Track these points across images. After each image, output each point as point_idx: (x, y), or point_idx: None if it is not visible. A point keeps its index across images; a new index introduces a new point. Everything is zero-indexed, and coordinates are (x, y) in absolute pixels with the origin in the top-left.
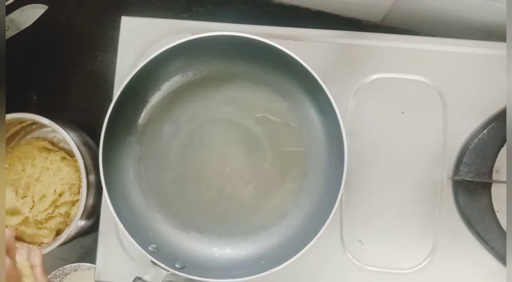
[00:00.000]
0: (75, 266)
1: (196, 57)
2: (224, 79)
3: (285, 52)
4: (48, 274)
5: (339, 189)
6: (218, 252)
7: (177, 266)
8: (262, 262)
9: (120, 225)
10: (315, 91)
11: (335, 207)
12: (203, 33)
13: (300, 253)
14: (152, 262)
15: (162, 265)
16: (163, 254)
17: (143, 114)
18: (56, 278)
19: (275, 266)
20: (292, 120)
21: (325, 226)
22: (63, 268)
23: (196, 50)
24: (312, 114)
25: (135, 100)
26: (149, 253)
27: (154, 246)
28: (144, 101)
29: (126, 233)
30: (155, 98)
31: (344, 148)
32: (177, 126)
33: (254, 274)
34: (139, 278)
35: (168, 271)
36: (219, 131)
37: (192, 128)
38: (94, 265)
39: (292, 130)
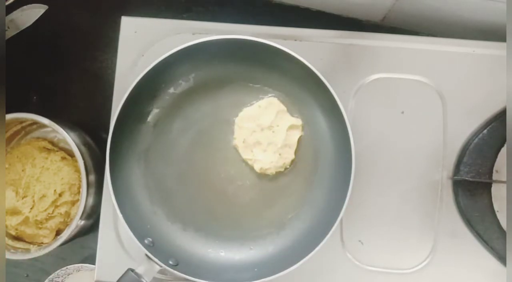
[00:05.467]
0: (78, 267)
1: (215, 57)
2: (236, 80)
3: (292, 55)
4: (51, 274)
5: (341, 207)
6: (212, 253)
7: (170, 262)
8: (255, 269)
9: (120, 215)
10: (322, 96)
11: (334, 226)
12: (223, 35)
13: (294, 267)
14: (147, 256)
15: (156, 260)
16: (158, 249)
17: (155, 107)
18: (59, 277)
19: (268, 275)
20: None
21: (320, 245)
22: (66, 268)
23: (215, 50)
24: (321, 123)
25: (149, 93)
26: (144, 246)
27: (150, 239)
28: (157, 96)
29: (124, 223)
30: (169, 94)
31: (352, 168)
32: (187, 123)
33: (246, 281)
34: (132, 270)
35: (162, 266)
36: (228, 133)
37: (202, 128)
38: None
39: (301, 138)
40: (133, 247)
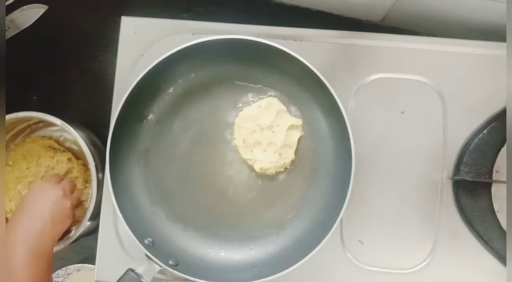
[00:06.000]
0: (78, 267)
1: (215, 57)
2: (236, 80)
3: (292, 55)
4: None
5: (341, 207)
6: (212, 253)
7: (170, 262)
8: (255, 269)
9: (120, 215)
10: (322, 96)
11: (334, 226)
12: (223, 35)
13: (294, 267)
14: (147, 256)
15: (156, 260)
16: (158, 249)
17: (155, 107)
18: (59, 277)
19: (268, 275)
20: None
21: (320, 245)
22: (66, 268)
23: (215, 50)
24: (321, 123)
25: (149, 93)
26: (144, 247)
27: (150, 239)
28: (157, 96)
29: (124, 223)
30: (169, 94)
31: (352, 168)
32: (187, 123)
33: (246, 281)
34: (132, 270)
35: (162, 266)
36: (228, 133)
37: (202, 128)
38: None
39: (301, 138)
40: (133, 247)
